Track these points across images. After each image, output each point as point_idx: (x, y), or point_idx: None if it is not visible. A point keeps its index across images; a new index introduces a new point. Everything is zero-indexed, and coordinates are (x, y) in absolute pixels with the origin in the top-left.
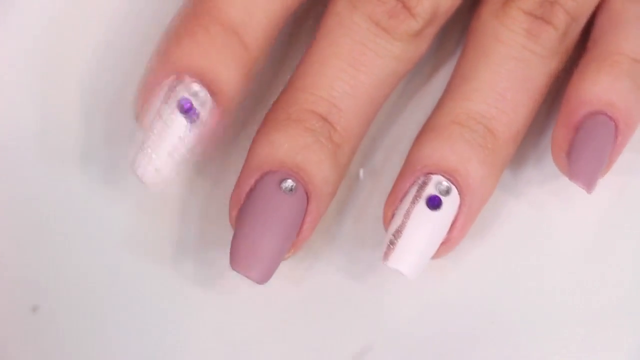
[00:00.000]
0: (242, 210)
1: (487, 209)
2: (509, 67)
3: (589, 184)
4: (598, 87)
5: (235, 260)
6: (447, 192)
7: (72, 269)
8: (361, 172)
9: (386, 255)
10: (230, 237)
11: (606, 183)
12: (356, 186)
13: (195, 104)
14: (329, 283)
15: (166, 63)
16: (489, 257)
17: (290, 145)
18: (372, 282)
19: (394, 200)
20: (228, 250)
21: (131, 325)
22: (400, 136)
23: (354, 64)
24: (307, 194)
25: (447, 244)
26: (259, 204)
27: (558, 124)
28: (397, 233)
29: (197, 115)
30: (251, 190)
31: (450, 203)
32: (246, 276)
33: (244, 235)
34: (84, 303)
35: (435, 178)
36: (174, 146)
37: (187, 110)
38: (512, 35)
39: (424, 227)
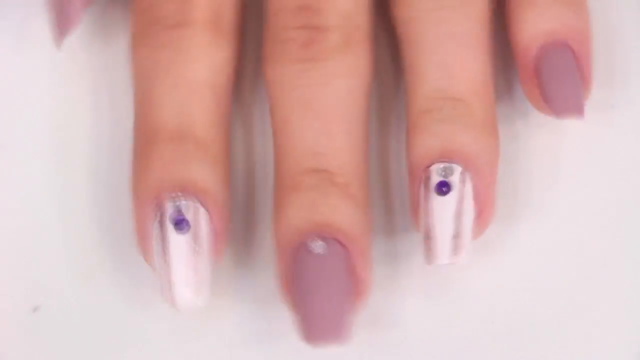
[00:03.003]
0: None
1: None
2: (431, 36)
3: (576, 110)
4: (526, 24)
5: None
6: (450, 171)
7: (73, 268)
8: None
9: (427, 257)
10: None
11: (609, 179)
12: None
13: (185, 214)
14: None
15: (139, 198)
16: (487, 257)
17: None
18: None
19: (413, 208)
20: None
21: (133, 325)
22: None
23: (308, 106)
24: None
25: (481, 218)
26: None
27: (521, 78)
28: (428, 233)
29: (188, 223)
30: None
31: (460, 179)
32: None
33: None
34: (85, 303)
35: (434, 167)
36: (187, 264)
37: (179, 225)
38: (421, 6)
39: (445, 214)
